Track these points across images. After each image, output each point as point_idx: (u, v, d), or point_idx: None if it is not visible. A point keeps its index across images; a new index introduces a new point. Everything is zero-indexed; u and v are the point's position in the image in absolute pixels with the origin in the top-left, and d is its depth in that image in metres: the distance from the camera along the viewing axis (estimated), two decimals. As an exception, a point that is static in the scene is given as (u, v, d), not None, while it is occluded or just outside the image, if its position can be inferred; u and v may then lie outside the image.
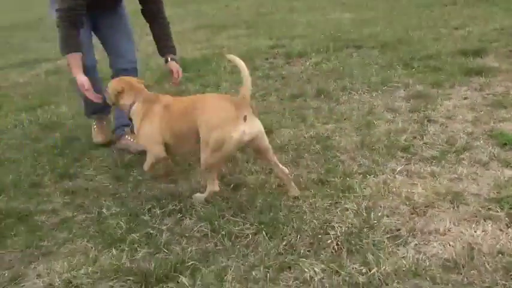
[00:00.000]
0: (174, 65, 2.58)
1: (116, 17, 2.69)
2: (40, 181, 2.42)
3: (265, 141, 1.98)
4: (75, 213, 2.10)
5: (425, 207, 1.87)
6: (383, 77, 3.54)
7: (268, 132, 2.76)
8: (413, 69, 3.68)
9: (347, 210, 1.90)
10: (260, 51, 4.88)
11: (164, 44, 2.60)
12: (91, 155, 2.70)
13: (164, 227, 1.92)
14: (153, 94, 2.27)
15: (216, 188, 2.01)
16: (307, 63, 4.21)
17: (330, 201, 1.97)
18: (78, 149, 2.74)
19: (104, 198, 2.20)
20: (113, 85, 2.26)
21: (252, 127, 1.89)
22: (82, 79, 2.33)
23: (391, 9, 6.96)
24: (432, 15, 5.98)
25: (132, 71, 2.64)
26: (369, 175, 2.16)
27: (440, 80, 3.34)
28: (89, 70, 2.42)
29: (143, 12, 2.63)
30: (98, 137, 2.82)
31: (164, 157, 2.15)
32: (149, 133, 2.11)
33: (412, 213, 1.85)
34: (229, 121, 1.85)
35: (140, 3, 2.61)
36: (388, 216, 1.83)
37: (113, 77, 2.55)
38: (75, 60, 2.31)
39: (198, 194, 2.09)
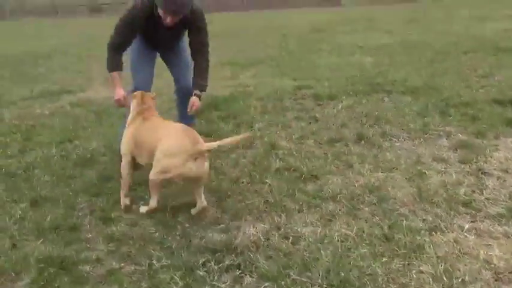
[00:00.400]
0: (193, 99, 2.77)
1: (176, 51, 3.10)
2: (80, 224, 2.26)
3: (205, 180, 2.30)
4: (122, 264, 1.93)
5: (508, 273, 1.72)
6: (422, 124, 3.46)
7: (314, 178, 2.66)
8: (451, 117, 3.60)
9: (423, 272, 1.74)
10: (286, 91, 4.82)
11: (196, 80, 2.83)
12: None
13: (223, 285, 1.75)
14: (146, 108, 2.52)
15: (154, 205, 2.27)
16: (339, 106, 4.13)
17: (402, 262, 1.81)
18: (116, 189, 2.58)
19: (152, 247, 2.03)
20: (133, 94, 2.65)
21: (199, 168, 2.16)
22: (120, 92, 2.71)
23: (410, 54, 7.00)
24: (455, 62, 5.99)
25: (184, 91, 2.98)
26: (436, 232, 2.02)
27: (482, 130, 3.25)
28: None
29: (189, 43, 2.90)
30: None
31: (128, 162, 2.40)
32: (124, 139, 2.45)
33: (496, 280, 1.69)
34: (182, 154, 2.11)
35: (189, 35, 2.89)
36: (471, 283, 1.67)
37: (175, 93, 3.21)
38: (116, 76, 2.76)
39: (142, 207, 2.35)
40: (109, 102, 4.78)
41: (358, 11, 21.26)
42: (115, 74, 2.75)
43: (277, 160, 2.92)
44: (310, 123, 3.76)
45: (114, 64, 2.74)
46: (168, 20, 2.58)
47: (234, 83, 5.54)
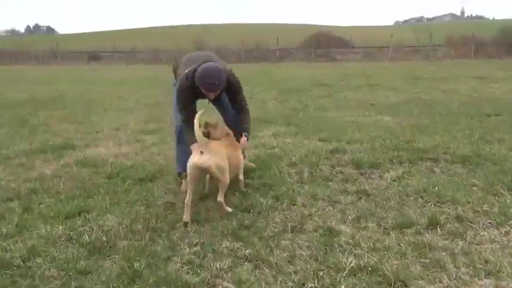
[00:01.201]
0: (243, 139, 3.35)
1: (220, 100, 3.48)
2: None
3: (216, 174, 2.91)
4: None
5: None
6: (497, 205, 2.91)
7: (403, 285, 2.04)
8: (522, 196, 3.07)
9: None
10: (320, 155, 4.28)
11: (241, 124, 3.42)
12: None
13: None
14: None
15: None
16: (387, 177, 3.58)
17: None
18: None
19: None
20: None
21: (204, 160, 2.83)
22: (194, 145, 3.03)
23: (429, 114, 6.63)
24: (483, 126, 5.58)
25: (231, 122, 3.53)
26: None
27: None
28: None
29: (230, 101, 3.46)
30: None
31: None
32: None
33: None
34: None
35: (229, 98, 3.43)
36: None
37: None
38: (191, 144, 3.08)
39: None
40: (122, 163, 4.20)
41: (353, 66, 21.49)
42: (192, 145, 3.07)
43: (346, 254, 2.31)
44: (360, 198, 3.18)
45: (191, 138, 3.03)
46: (210, 95, 3.11)
47: (256, 143, 5.01)
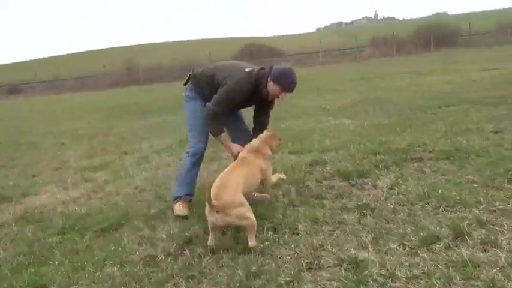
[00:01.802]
0: None
1: (238, 116, 3.41)
2: None
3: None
4: None
5: None
6: (510, 202, 2.69)
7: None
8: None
9: None
10: (301, 170, 3.90)
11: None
12: None
13: None
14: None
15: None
16: (383, 186, 3.27)
17: None
18: None
19: None
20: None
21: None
22: (234, 147, 3.14)
23: (386, 113, 6.57)
24: (441, 118, 5.57)
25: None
26: None
27: None
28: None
29: (262, 107, 3.30)
30: (183, 211, 3.13)
31: None
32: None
33: None
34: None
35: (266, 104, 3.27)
36: None
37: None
38: (224, 137, 3.13)
39: None
40: (75, 211, 3.50)
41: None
42: (224, 135, 3.11)
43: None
44: (364, 214, 2.82)
45: (220, 128, 3.09)
46: (282, 96, 3.03)
47: (222, 165, 4.51)
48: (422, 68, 15.33)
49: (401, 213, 2.74)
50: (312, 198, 3.21)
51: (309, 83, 13.63)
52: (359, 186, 3.37)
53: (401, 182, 3.31)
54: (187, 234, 2.76)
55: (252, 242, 2.43)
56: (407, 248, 2.31)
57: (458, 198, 2.84)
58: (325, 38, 40.63)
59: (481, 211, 2.63)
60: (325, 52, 30.93)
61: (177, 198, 3.22)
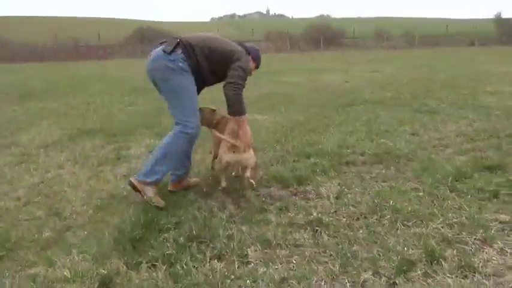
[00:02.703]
0: None
1: None
2: None
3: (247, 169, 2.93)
4: None
5: None
6: (462, 215, 2.56)
7: None
8: (468, 195, 2.83)
9: None
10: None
11: None
12: None
13: None
14: None
15: (223, 184, 2.98)
16: (329, 195, 2.93)
17: None
18: None
19: None
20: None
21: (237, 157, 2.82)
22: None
23: (298, 110, 6.41)
24: (355, 118, 5.57)
25: None
26: None
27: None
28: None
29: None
30: (160, 202, 2.80)
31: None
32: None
33: None
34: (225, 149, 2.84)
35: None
36: None
37: None
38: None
39: None
40: None
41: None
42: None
43: None
44: (319, 231, 2.43)
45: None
46: (253, 73, 3.08)
47: (131, 170, 3.73)
48: (318, 66, 15.94)
49: (360, 230, 2.41)
50: (253, 210, 2.72)
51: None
52: (302, 196, 2.98)
53: (346, 190, 3.01)
54: (103, 270, 2.03)
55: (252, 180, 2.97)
56: (383, 278, 1.96)
57: (411, 210, 2.62)
58: (221, 28, 40.25)
59: (440, 225, 2.43)
60: (222, 43, 30.47)
61: (157, 181, 2.81)
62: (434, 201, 2.74)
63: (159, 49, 2.71)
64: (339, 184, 3.12)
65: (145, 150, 4.33)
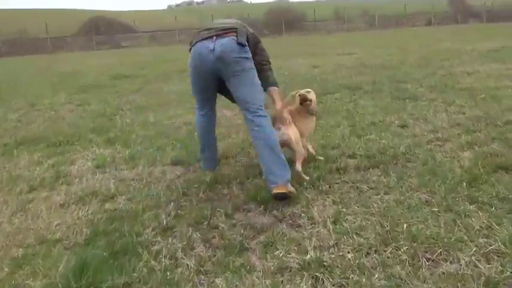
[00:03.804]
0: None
1: None
2: None
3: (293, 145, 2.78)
4: None
5: None
6: (500, 238, 2.01)
7: None
8: (493, 208, 2.30)
9: None
10: (189, 186, 2.69)
11: None
12: None
13: None
14: None
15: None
16: (325, 221, 2.31)
17: None
18: None
19: None
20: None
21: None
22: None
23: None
24: (344, 108, 4.98)
25: None
26: None
27: None
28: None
29: None
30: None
31: None
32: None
33: None
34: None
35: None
36: None
37: None
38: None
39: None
40: None
41: (145, 52, 19.56)
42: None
43: None
44: (320, 278, 1.80)
45: None
46: None
47: (75, 189, 2.96)
48: (283, 51, 15.29)
49: (375, 274, 1.81)
50: (231, 252, 2.05)
51: (169, 65, 12.16)
52: (290, 221, 2.34)
53: (344, 210, 2.40)
54: None
55: (298, 166, 2.76)
56: None
57: (430, 235, 2.05)
58: (180, 16, 38.65)
59: (474, 258, 1.87)
60: (182, 30, 29.19)
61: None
62: (456, 220, 2.18)
63: (229, 40, 2.61)
64: (333, 202, 2.50)
65: (92, 166, 3.54)
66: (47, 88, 9.15)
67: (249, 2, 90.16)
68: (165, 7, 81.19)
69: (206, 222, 2.34)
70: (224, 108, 5.51)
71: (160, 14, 45.07)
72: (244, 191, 2.74)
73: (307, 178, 2.80)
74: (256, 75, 2.73)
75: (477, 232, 2.06)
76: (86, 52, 23.62)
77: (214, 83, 2.81)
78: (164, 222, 2.36)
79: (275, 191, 2.45)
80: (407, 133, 3.79)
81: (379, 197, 2.54)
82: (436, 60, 9.18)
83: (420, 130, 3.84)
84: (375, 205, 2.42)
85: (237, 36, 2.62)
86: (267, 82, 2.85)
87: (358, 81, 6.98)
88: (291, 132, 2.78)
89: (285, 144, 2.75)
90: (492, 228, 2.09)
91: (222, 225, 2.32)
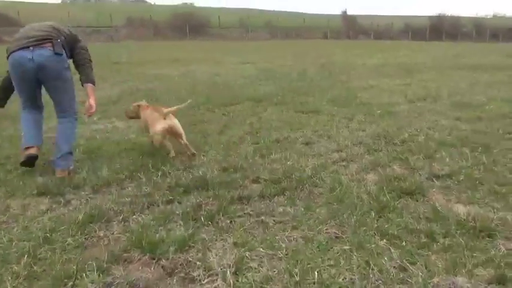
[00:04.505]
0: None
1: None
2: None
3: (179, 129, 3.35)
4: None
5: None
6: (417, 284, 1.81)
7: None
8: (403, 242, 2.13)
9: None
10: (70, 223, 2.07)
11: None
12: None
13: None
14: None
15: (172, 154, 3.38)
16: (224, 271, 1.89)
17: None
18: None
19: None
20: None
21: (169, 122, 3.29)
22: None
23: (186, 113, 5.21)
24: (247, 121, 4.67)
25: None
26: None
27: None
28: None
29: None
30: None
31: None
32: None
33: None
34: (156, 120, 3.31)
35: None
36: None
37: None
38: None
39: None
40: None
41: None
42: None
43: None
44: None
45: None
46: None
47: None
48: (185, 56, 14.73)
49: None
50: None
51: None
52: (182, 275, 1.87)
53: (247, 255, 2.01)
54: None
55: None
56: None
57: (343, 283, 1.77)
58: (74, 12, 35.38)
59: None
60: (76, 28, 26.63)
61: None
62: (370, 262, 1.94)
63: (46, 50, 2.94)
64: (235, 244, 2.10)
65: None
66: None
67: (153, 3, 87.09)
68: (59, 1, 74.00)
69: (70, 284, 1.76)
70: (118, 120, 4.84)
71: (53, 8, 40.87)
72: (128, 233, 2.20)
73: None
74: (72, 84, 3.15)
75: (392, 277, 1.83)
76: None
77: (36, 85, 3.06)
78: (7, 290, 1.72)
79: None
80: (313, 152, 3.60)
81: (286, 233, 2.21)
82: (334, 72, 9.51)
83: (325, 149, 3.68)
84: (283, 245, 2.08)
85: (53, 46, 2.95)
86: (87, 78, 3.19)
87: (261, 92, 6.80)
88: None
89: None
90: (407, 270, 1.88)
91: (92, 286, 1.76)
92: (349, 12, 42.93)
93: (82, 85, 3.21)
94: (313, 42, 28.72)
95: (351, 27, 37.46)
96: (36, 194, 2.74)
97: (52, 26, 3.09)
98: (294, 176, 2.98)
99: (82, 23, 29.56)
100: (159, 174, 3.01)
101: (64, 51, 3.04)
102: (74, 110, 3.21)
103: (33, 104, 3.17)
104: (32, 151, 3.02)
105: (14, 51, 2.92)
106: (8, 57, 2.98)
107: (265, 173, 3.04)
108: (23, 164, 3.02)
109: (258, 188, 2.79)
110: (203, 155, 3.48)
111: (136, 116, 3.73)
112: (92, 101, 3.18)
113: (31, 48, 2.89)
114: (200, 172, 3.02)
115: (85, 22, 30.23)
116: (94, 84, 3.23)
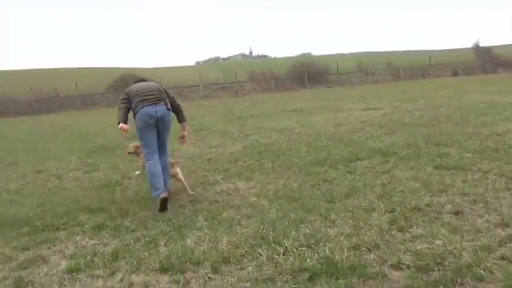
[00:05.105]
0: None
1: None
2: None
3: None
4: None
5: None
6: None
7: None
8: None
9: None
10: None
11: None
12: None
13: None
14: None
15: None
16: None
17: None
18: None
19: None
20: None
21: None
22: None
23: (284, 171, 4.93)
24: (373, 184, 4.12)
25: None
26: None
27: None
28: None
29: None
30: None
31: None
32: None
33: None
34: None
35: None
36: None
37: None
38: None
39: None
40: None
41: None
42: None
43: None
44: None
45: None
46: None
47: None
48: (305, 105, 14.74)
49: None
50: None
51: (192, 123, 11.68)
52: None
53: None
54: None
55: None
56: None
57: None
58: (205, 71, 39.55)
59: None
60: (206, 86, 29.58)
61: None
62: None
63: (163, 107, 4.09)
64: None
65: (64, 268, 2.79)
66: (62, 148, 8.78)
67: (274, 57, 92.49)
68: (193, 63, 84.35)
69: None
70: (240, 180, 4.77)
71: (188, 70, 46.42)
72: None
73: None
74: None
75: None
76: (112, 109, 23.96)
77: (156, 133, 4.10)
78: None
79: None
80: (467, 226, 2.88)
81: None
82: (473, 115, 8.27)
83: (483, 222, 2.92)
84: None
85: (166, 104, 4.10)
86: (182, 119, 4.41)
87: (390, 143, 6.15)
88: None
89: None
90: None
91: None
92: (482, 44, 38.80)
93: (179, 122, 4.43)
94: (442, 80, 26.44)
95: (486, 61, 33.64)
96: (159, 268, 2.65)
97: (159, 88, 4.20)
98: (447, 262, 2.34)
99: (212, 80, 32.67)
100: (281, 252, 2.68)
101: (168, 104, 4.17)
102: (167, 149, 4.31)
103: (155, 150, 4.08)
104: (164, 195, 3.83)
105: (143, 107, 3.97)
106: (137, 111, 4.00)
107: (407, 256, 2.47)
108: (161, 210, 3.76)
109: (401, 279, 2.24)
110: (329, 227, 3.07)
111: (134, 153, 4.93)
112: (185, 133, 4.43)
113: (153, 104, 4.01)
114: (327, 251, 2.60)
115: (213, 80, 33.35)
116: (186, 122, 4.45)
